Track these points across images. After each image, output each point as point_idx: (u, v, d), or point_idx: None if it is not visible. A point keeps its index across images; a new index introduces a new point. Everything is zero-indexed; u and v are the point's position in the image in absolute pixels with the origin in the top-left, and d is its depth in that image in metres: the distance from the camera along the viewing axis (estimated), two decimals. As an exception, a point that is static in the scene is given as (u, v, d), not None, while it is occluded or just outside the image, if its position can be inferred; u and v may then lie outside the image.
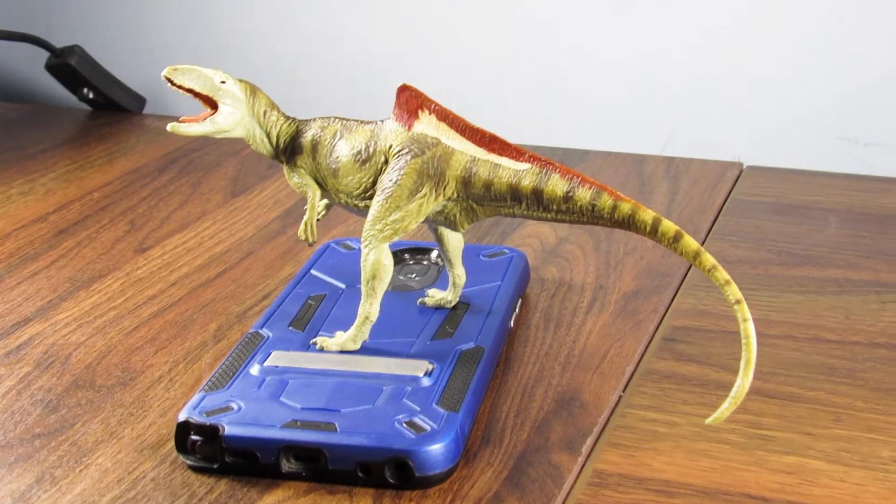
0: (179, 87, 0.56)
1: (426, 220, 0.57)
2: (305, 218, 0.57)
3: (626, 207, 0.52)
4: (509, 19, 0.98)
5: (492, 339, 0.57)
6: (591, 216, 0.53)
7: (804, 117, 0.91)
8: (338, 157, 0.56)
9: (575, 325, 0.62)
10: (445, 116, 0.55)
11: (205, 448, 0.50)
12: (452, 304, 0.60)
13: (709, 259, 0.50)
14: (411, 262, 0.66)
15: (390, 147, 0.55)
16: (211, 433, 0.49)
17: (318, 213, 0.59)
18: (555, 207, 0.54)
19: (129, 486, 0.50)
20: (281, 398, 0.51)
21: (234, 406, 0.51)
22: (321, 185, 0.57)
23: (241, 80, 0.57)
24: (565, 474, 0.50)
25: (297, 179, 0.57)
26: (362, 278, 0.55)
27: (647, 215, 0.52)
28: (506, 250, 0.66)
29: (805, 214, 0.77)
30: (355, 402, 0.51)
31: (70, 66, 0.99)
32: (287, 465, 0.49)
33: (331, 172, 0.57)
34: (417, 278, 0.64)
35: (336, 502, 0.48)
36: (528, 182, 0.54)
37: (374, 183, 0.56)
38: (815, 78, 0.91)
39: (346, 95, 1.02)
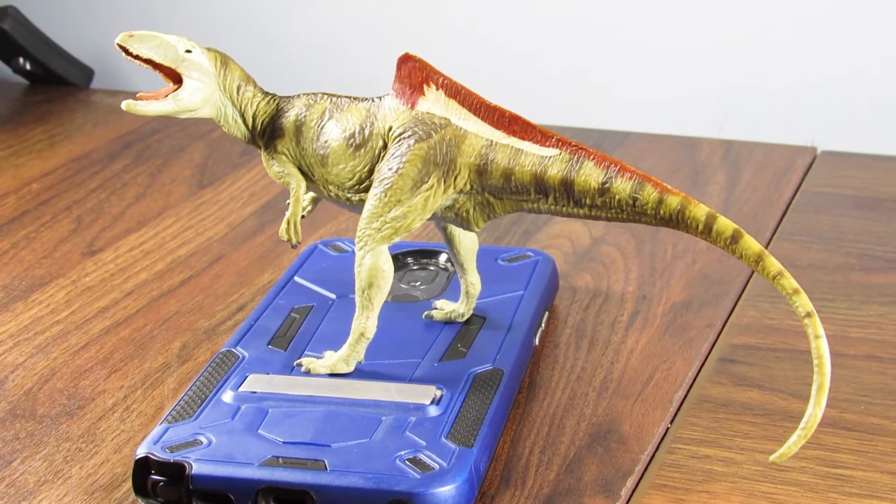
0: (136, 57, 0.57)
1: (433, 217, 0.57)
2: (288, 214, 0.58)
3: (674, 202, 0.53)
4: (534, -26, 0.98)
5: (513, 359, 0.58)
6: (631, 212, 0.54)
7: (890, 94, 0.92)
8: (327, 142, 0.57)
9: (613, 343, 0.63)
10: (456, 92, 0.56)
11: (168, 490, 0.50)
12: (465, 317, 0.61)
13: (774, 264, 0.51)
14: (416, 268, 0.67)
15: (390, 129, 0.56)
16: (176, 472, 0.50)
17: (304, 209, 0.59)
18: (588, 202, 0.54)
19: (77, 535, 0.51)
20: (259, 430, 0.52)
21: (204, 440, 0.52)
22: (307, 174, 0.58)
23: (209, 50, 0.58)
24: (601, 522, 0.51)
25: (278, 168, 0.58)
26: (356, 287, 0.56)
27: (700, 211, 0.52)
28: (530, 253, 0.67)
29: (892, 209, 0.78)
30: (348, 436, 0.52)
31: (2, 30, 1.00)
32: (267, 511, 0.50)
33: (318, 160, 0.57)
34: (423, 287, 0.65)
35: (325, 555, 0.49)
36: (556, 171, 0.54)
37: (371, 172, 0.56)
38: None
39: (337, 67, 1.03)
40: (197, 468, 0.50)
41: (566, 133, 0.55)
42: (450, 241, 0.60)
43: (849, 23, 0.92)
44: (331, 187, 0.57)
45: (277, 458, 0.50)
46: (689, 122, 0.94)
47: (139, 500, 0.51)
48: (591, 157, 0.54)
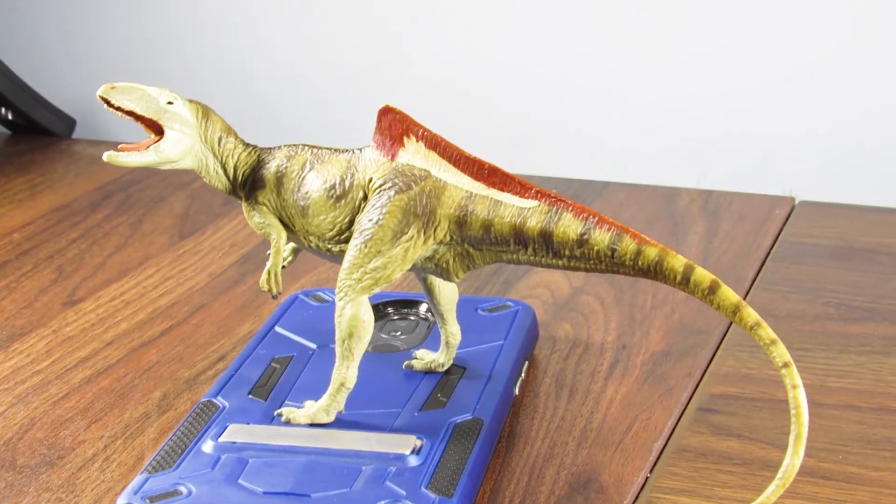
0: (118, 108, 0.57)
1: (413, 268, 0.58)
2: (269, 265, 0.58)
3: (651, 253, 0.53)
4: (511, 23, 0.99)
5: (492, 409, 0.58)
6: (610, 263, 0.54)
7: (867, 144, 0.93)
8: (307, 193, 0.57)
9: (593, 392, 0.63)
10: (436, 144, 0.57)
11: (148, 541, 0.51)
12: (445, 367, 0.61)
13: (751, 314, 0.51)
14: (396, 318, 0.67)
15: (370, 180, 0.57)
16: (155, 523, 0.50)
17: (284, 260, 0.60)
18: (567, 253, 0.55)
19: (56, 586, 0.51)
20: (239, 480, 0.52)
21: (184, 490, 0.52)
22: (287, 225, 0.58)
23: (191, 101, 0.58)
24: (580, 572, 0.51)
25: (259, 219, 0.59)
26: (337, 337, 0.56)
27: (678, 262, 0.53)
28: (509, 303, 0.67)
29: (870, 259, 0.78)
30: (329, 486, 0.52)
31: (-16, 81, 1.01)
32: (247, 562, 0.50)
33: (299, 211, 0.58)
34: (403, 337, 0.65)
35: None
36: (534, 222, 0.55)
37: (351, 223, 0.57)
38: (881, 99, 0.92)
39: (318, 119, 1.04)
40: (177, 519, 0.50)
41: (546, 183, 0.56)
42: (430, 291, 0.60)
43: (827, 75, 0.93)
44: (311, 238, 0.58)
45: (258, 508, 0.51)
46: (669, 172, 0.95)
47: (119, 550, 0.51)
48: (570, 208, 0.55)
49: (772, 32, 0.94)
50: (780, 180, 0.92)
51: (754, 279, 0.76)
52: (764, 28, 0.94)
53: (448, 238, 0.56)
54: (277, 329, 0.65)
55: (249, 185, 0.59)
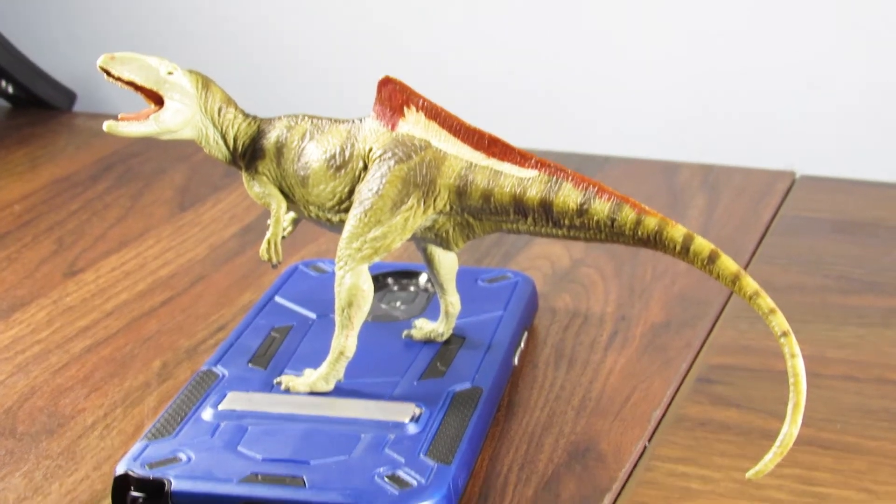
0: (118, 79, 0.57)
1: (413, 238, 0.58)
2: (269, 235, 0.59)
3: (651, 223, 0.53)
4: (515, -1, 0.99)
5: (492, 378, 0.58)
6: (610, 233, 0.54)
7: (868, 118, 0.93)
8: (307, 163, 0.58)
9: (592, 363, 0.64)
10: (436, 114, 0.57)
11: (148, 507, 0.51)
12: (445, 337, 0.61)
13: (750, 284, 0.51)
14: (395, 288, 0.67)
15: (370, 150, 0.57)
16: (155, 489, 0.50)
17: (284, 230, 0.60)
18: (567, 223, 0.55)
19: (56, 552, 0.51)
20: (239, 447, 0.52)
21: (183, 457, 0.52)
22: (287, 195, 0.58)
23: (191, 72, 0.58)
24: (578, 539, 0.51)
25: (259, 189, 0.59)
26: (336, 306, 0.56)
27: (677, 232, 0.53)
28: (509, 274, 0.68)
29: (870, 233, 0.78)
30: (328, 453, 0.52)
31: (-16, 54, 1.01)
32: (246, 528, 0.50)
33: (299, 181, 0.58)
34: (403, 307, 0.65)
35: (304, 572, 0.49)
36: (534, 192, 0.55)
37: (351, 193, 0.57)
38: (882, 73, 0.92)
39: (317, 89, 1.04)
40: (176, 485, 0.50)
41: (546, 157, 0.55)
42: (430, 261, 0.60)
43: (828, 50, 0.93)
44: (311, 208, 0.58)
45: (256, 474, 0.51)
46: (669, 146, 0.95)
47: (118, 516, 0.51)
48: (570, 178, 0.55)
49: (773, 5, 0.94)
50: (781, 155, 0.92)
51: (754, 252, 0.76)
52: (765, 1, 0.94)
53: (448, 208, 0.56)
54: (277, 299, 0.65)
55: (249, 155, 0.59)
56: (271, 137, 0.58)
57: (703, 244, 0.53)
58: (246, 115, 0.59)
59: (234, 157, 0.59)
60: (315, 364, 0.58)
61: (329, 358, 0.57)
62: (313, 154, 0.57)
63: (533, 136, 0.95)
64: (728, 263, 0.52)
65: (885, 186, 0.85)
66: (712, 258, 0.52)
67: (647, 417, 0.59)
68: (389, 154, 0.56)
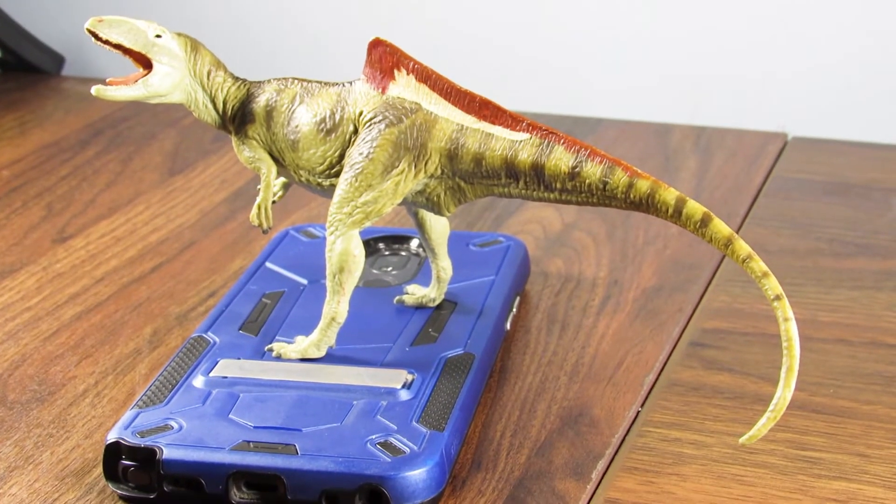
0: (106, 42, 0.57)
1: (404, 202, 0.57)
2: (259, 200, 0.58)
3: (643, 185, 0.53)
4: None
5: (484, 344, 0.58)
6: (602, 196, 0.54)
7: (860, 80, 0.92)
8: (297, 127, 0.57)
9: (584, 327, 0.63)
10: (427, 77, 0.56)
11: (139, 475, 0.50)
12: (436, 302, 0.61)
13: (743, 247, 0.51)
14: (387, 253, 0.67)
15: (360, 114, 0.56)
16: (146, 457, 0.50)
17: (275, 194, 0.59)
18: (559, 186, 0.55)
19: (48, 521, 0.51)
20: (230, 415, 0.52)
21: (174, 425, 0.52)
22: (277, 160, 0.58)
23: (179, 35, 0.58)
24: (572, 505, 0.51)
25: (249, 153, 0.58)
26: (327, 272, 0.56)
27: (670, 195, 0.53)
28: (501, 238, 0.67)
29: (862, 195, 0.78)
30: (319, 420, 0.52)
31: (-29, 17, 1.00)
32: (238, 495, 0.50)
33: (289, 145, 0.57)
34: (394, 272, 0.65)
35: (297, 539, 0.49)
36: (526, 155, 0.55)
37: (342, 157, 0.57)
38: (875, 33, 0.92)
39: (308, 52, 1.03)
40: (168, 453, 0.50)
41: (539, 120, 0.55)
42: (421, 226, 0.60)
43: (820, 11, 0.93)
44: (302, 172, 0.58)
45: (248, 442, 0.50)
46: (661, 108, 0.95)
47: (110, 485, 0.51)
48: (562, 141, 0.54)
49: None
50: (773, 116, 0.92)
51: (746, 215, 0.76)
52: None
53: (439, 172, 0.56)
54: (268, 265, 0.65)
55: (239, 119, 0.58)
56: (261, 101, 0.58)
57: (695, 207, 0.52)
58: (235, 79, 0.59)
59: (223, 121, 0.59)
60: (307, 330, 0.57)
61: (320, 324, 0.56)
62: (303, 118, 0.57)
63: (525, 99, 0.95)
64: (721, 227, 0.52)
65: (878, 148, 0.85)
66: (705, 221, 0.52)
67: (640, 382, 0.59)
68: (380, 117, 0.56)
